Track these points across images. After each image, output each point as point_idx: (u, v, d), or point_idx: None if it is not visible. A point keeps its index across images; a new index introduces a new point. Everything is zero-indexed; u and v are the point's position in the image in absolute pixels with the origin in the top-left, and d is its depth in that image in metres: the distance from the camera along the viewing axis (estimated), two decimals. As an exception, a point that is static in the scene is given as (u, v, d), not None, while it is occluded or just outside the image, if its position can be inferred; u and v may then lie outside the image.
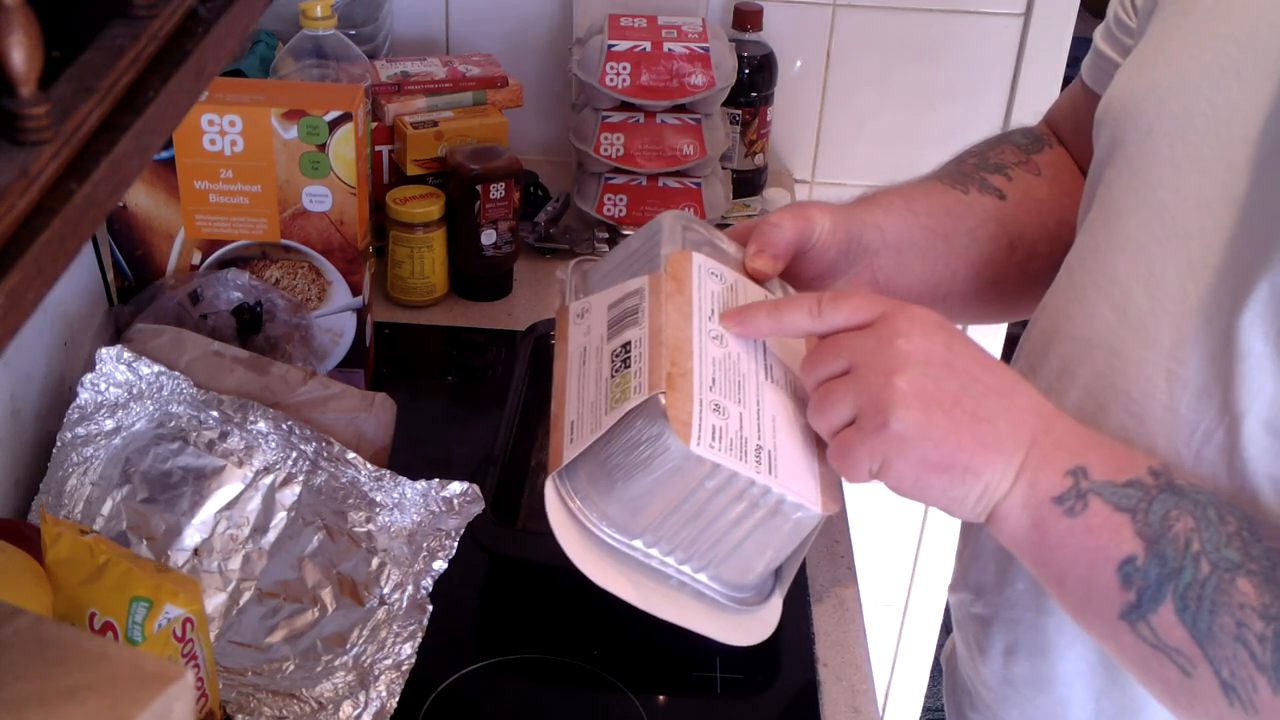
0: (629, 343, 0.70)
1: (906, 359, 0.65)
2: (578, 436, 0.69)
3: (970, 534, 0.90)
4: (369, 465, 0.92)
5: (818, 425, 0.68)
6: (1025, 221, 0.90)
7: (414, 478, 0.91)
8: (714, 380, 0.68)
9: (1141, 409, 0.72)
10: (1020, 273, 0.91)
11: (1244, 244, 0.67)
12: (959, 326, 1.78)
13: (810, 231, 0.80)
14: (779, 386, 0.71)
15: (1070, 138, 0.96)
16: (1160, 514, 0.63)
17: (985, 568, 0.86)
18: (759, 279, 0.78)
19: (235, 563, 0.89)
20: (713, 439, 0.65)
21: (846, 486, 0.74)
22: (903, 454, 0.65)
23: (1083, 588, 0.65)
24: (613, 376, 0.69)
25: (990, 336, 1.76)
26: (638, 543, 0.70)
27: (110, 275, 1.09)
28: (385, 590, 0.88)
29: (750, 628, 0.73)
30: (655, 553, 0.70)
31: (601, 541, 0.69)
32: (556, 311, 0.79)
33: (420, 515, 0.90)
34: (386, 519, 0.91)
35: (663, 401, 0.65)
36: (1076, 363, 0.76)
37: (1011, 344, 1.65)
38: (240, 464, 0.91)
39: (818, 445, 0.70)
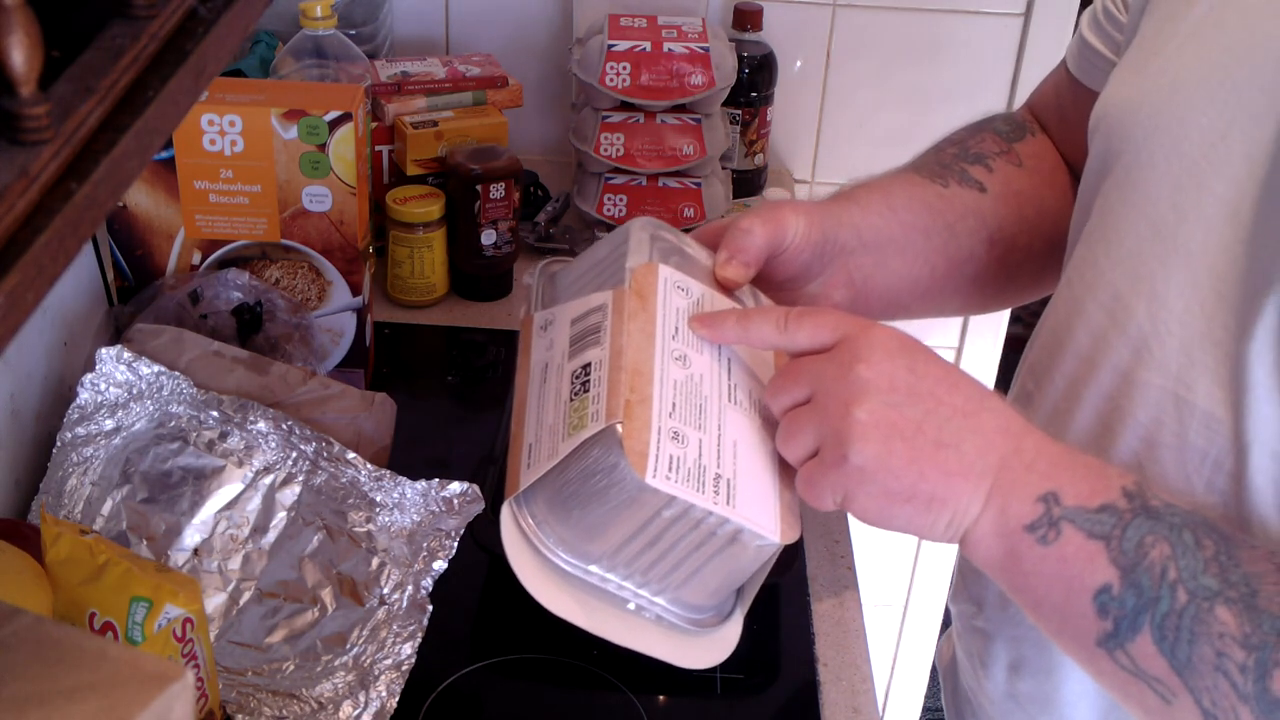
0: (589, 364, 0.68)
1: (866, 387, 0.63)
2: (535, 462, 0.68)
3: None
4: (369, 465, 0.92)
5: (786, 454, 0.67)
6: (1005, 215, 0.89)
7: (414, 478, 0.91)
8: (674, 405, 0.66)
9: (1151, 434, 0.70)
10: (1000, 266, 0.89)
11: (1248, 265, 0.65)
12: (958, 315, 1.75)
13: (783, 236, 0.78)
14: (742, 409, 0.70)
15: (1053, 125, 0.94)
16: (1135, 541, 0.61)
17: (986, 583, 0.85)
18: (729, 287, 0.76)
19: (235, 563, 0.89)
20: (670, 470, 0.64)
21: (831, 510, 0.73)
22: (864, 486, 0.63)
23: (1058, 615, 0.64)
24: (571, 400, 0.68)
25: (989, 339, 1.77)
26: (594, 568, 0.68)
27: (110, 275, 1.09)
28: (385, 590, 0.88)
29: (709, 648, 0.71)
30: (612, 577, 0.69)
31: (556, 566, 0.68)
32: (521, 320, 0.77)
33: (420, 515, 0.90)
34: (386, 519, 0.91)
35: (619, 431, 0.64)
36: (1081, 383, 0.75)
37: (1012, 345, 1.65)
38: (240, 464, 0.91)
39: (783, 468, 0.69)
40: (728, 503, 0.65)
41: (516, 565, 0.67)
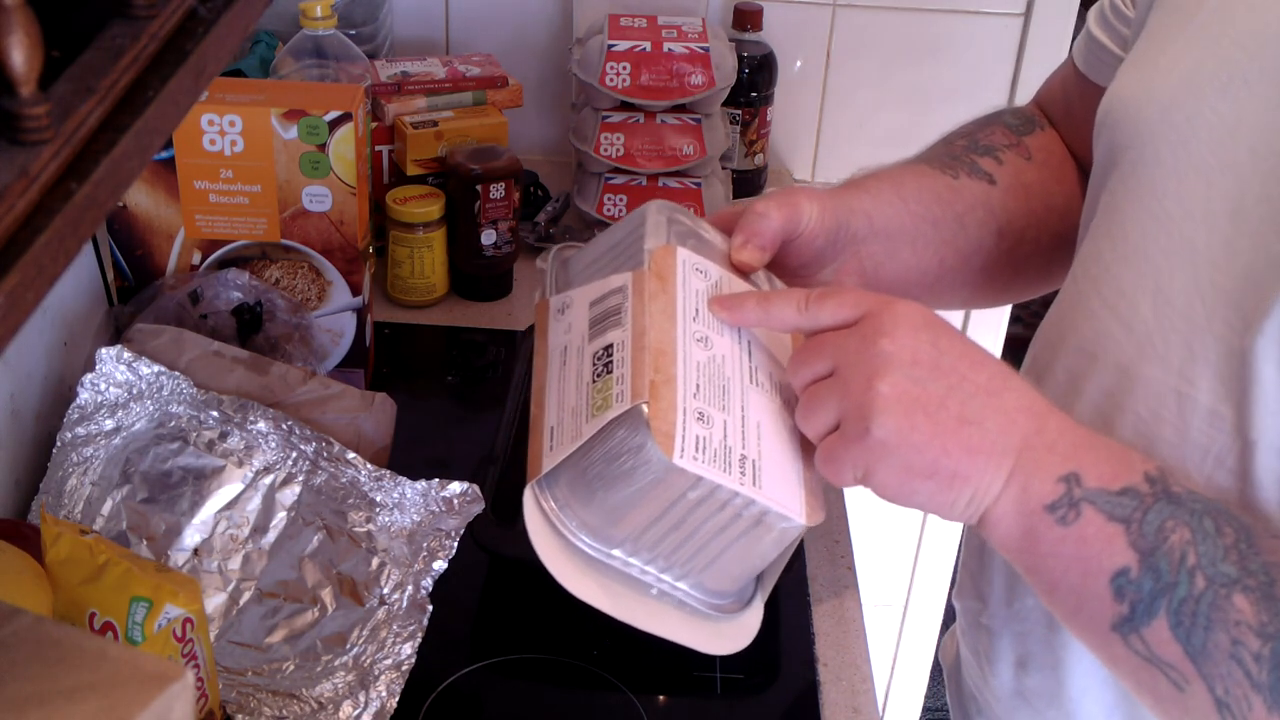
0: (611, 345, 0.68)
1: (890, 360, 0.63)
2: (557, 444, 0.67)
3: (975, 544, 0.88)
4: (369, 465, 0.92)
5: (805, 429, 0.67)
6: (1013, 208, 0.89)
7: (414, 478, 0.91)
8: (698, 387, 0.66)
9: (1150, 429, 0.70)
10: (1008, 259, 0.89)
11: (1252, 261, 0.65)
12: (958, 311, 1.76)
13: (798, 221, 0.78)
14: (763, 390, 0.70)
15: (1061, 119, 0.94)
16: (1155, 525, 0.61)
17: (991, 580, 0.85)
18: (745, 270, 0.76)
19: (235, 563, 0.89)
20: (696, 450, 0.64)
21: (848, 488, 0.73)
22: (885, 461, 0.63)
23: (1074, 597, 0.64)
24: (594, 381, 0.67)
25: (990, 338, 1.76)
26: (617, 552, 0.68)
27: (110, 275, 1.09)
28: (385, 590, 0.88)
29: (731, 635, 0.71)
30: (635, 562, 0.69)
31: (579, 550, 0.68)
32: (536, 305, 0.77)
33: (420, 515, 0.91)
34: (386, 519, 0.91)
35: (645, 411, 0.63)
36: (1082, 377, 0.75)
37: (1012, 345, 1.65)
38: (240, 464, 0.91)
39: (804, 449, 0.69)
40: (754, 484, 0.65)
41: (540, 549, 0.67)
